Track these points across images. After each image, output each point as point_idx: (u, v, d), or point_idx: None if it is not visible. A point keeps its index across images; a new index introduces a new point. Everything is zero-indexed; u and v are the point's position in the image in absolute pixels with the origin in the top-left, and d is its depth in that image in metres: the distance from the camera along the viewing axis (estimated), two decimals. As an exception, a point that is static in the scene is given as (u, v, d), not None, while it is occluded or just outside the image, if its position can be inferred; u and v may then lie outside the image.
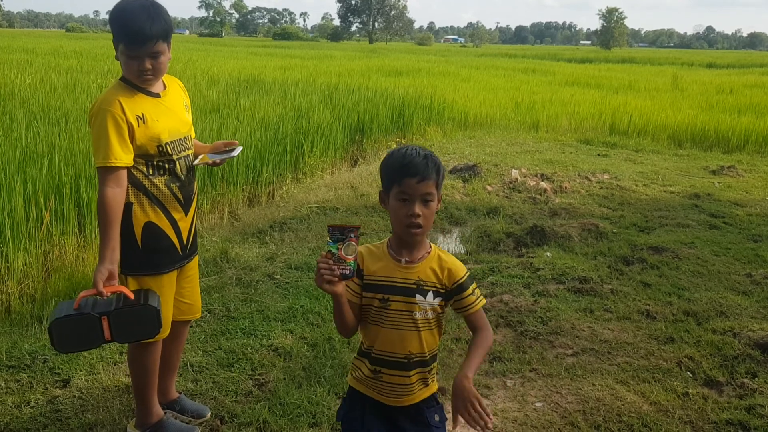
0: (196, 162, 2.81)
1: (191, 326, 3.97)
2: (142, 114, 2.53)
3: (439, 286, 2.01)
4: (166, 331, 2.78)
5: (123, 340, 2.53)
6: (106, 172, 2.47)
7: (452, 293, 2.02)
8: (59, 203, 5.18)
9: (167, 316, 2.76)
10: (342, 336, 2.25)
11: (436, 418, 2.11)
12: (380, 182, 2.05)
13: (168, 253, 2.72)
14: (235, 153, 2.91)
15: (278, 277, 4.88)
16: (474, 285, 2.06)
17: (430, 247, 2.06)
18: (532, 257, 5.45)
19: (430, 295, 2.00)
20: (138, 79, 2.55)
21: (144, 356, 2.79)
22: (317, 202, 7.05)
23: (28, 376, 3.37)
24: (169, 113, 2.66)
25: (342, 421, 2.17)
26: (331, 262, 1.89)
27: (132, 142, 2.52)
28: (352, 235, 1.91)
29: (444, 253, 2.07)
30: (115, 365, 3.52)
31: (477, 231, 6.24)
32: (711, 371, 3.67)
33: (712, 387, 3.55)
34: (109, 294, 2.44)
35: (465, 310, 2.04)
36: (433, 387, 2.13)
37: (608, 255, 5.55)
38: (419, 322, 2.00)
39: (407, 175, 1.93)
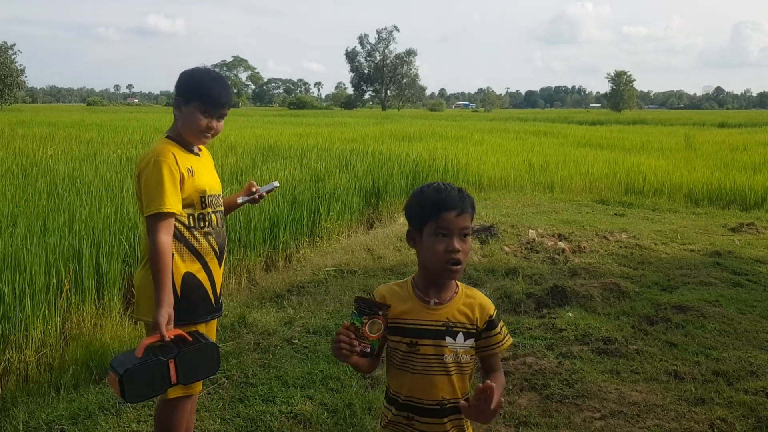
0: (240, 201, 3.07)
1: (209, 393, 3.92)
2: (191, 167, 2.72)
3: (470, 326, 1.93)
4: (199, 385, 2.82)
5: (188, 381, 2.53)
6: (160, 218, 2.58)
7: (482, 331, 1.94)
8: (78, 271, 5.21)
9: None
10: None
11: None
12: (408, 221, 1.99)
13: (204, 303, 2.79)
14: (276, 184, 3.25)
15: (296, 341, 4.82)
16: (502, 323, 1.99)
17: (457, 285, 1.99)
18: (554, 318, 5.36)
19: (460, 336, 1.91)
20: (200, 135, 2.76)
21: (175, 413, 2.78)
22: (334, 265, 7.03)
23: (44, 447, 3.31)
24: (207, 171, 2.87)
25: None
26: (353, 336, 1.82)
27: (180, 193, 2.66)
28: (380, 313, 1.85)
29: (470, 290, 2.00)
30: (132, 434, 3.45)
31: (497, 292, 6.16)
32: (746, 434, 3.53)
33: (749, 450, 3.42)
34: (171, 337, 2.47)
35: (492, 348, 1.95)
36: None
37: (631, 315, 5.45)
38: (449, 366, 1.90)
39: (445, 209, 1.87)
